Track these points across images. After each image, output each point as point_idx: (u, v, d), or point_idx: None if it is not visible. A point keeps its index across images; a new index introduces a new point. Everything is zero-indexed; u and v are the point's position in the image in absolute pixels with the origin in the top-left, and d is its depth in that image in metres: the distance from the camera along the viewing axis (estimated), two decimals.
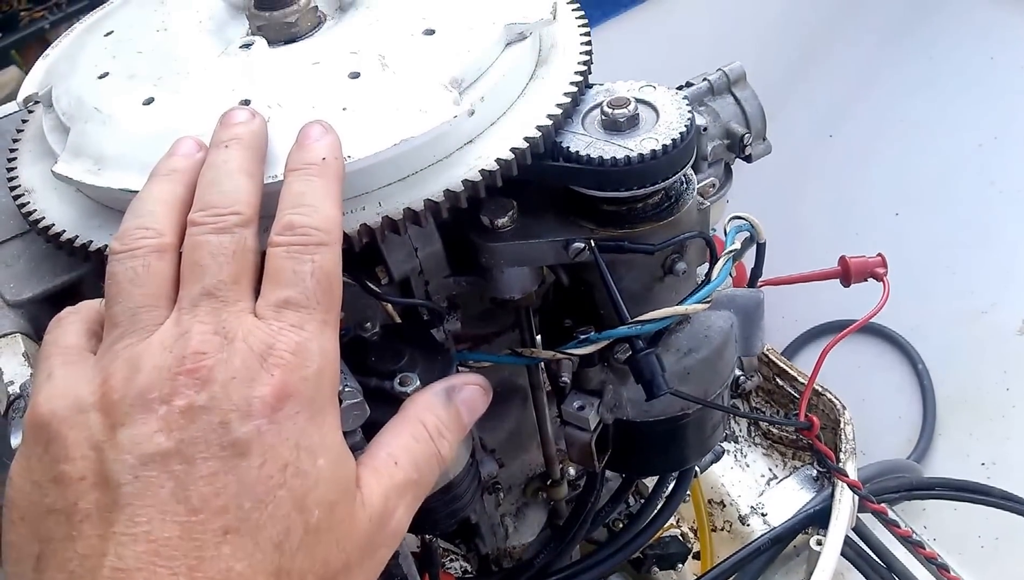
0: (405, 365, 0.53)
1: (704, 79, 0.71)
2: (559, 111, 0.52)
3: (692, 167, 0.55)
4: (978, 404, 1.68)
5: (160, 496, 0.37)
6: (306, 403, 0.40)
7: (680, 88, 0.69)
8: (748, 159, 0.70)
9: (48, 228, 0.53)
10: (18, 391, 0.51)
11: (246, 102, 0.49)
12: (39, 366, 0.43)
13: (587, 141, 0.52)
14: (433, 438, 0.47)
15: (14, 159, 0.59)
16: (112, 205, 0.52)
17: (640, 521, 0.78)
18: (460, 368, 0.61)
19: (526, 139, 0.50)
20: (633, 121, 0.52)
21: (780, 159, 0.79)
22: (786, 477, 1.08)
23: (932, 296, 1.75)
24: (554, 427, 0.75)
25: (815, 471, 1.07)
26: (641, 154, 0.50)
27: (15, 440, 0.46)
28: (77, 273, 0.56)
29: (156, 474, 0.37)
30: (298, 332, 0.40)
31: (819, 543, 0.89)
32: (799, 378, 1.06)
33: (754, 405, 1.11)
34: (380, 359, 0.53)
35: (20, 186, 0.56)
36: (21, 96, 0.59)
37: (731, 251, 0.57)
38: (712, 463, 0.96)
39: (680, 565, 1.00)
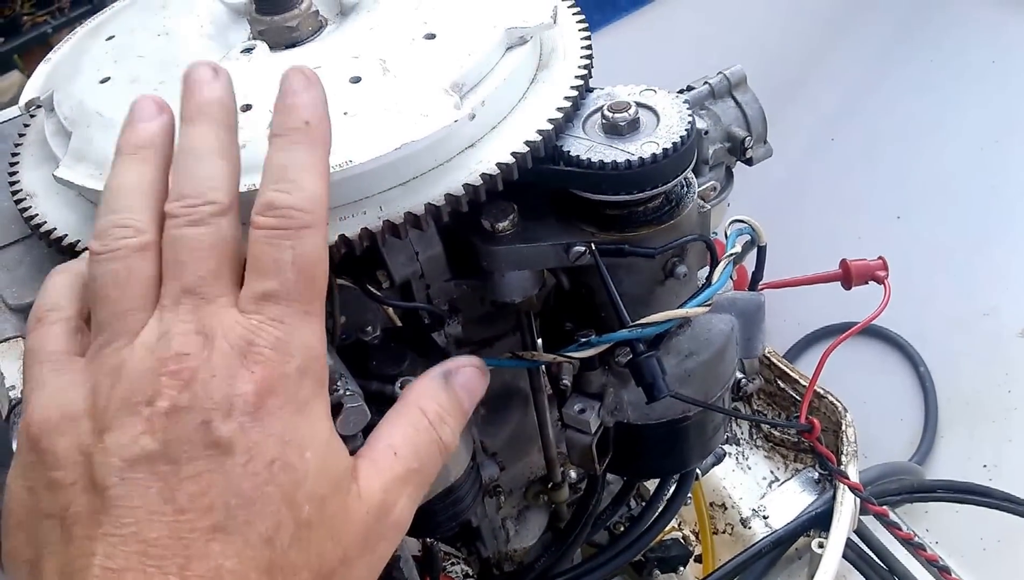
0: (406, 369, 0.53)
1: (705, 83, 0.70)
2: (560, 115, 0.52)
3: (693, 170, 0.55)
4: (980, 406, 1.68)
5: (147, 497, 0.37)
6: (290, 398, 0.39)
7: (681, 92, 0.69)
8: (749, 162, 0.70)
9: (50, 232, 0.53)
10: (19, 396, 0.51)
11: (247, 107, 0.49)
12: (28, 373, 0.42)
13: (588, 145, 0.52)
14: (434, 425, 0.46)
15: (16, 163, 0.59)
16: None
17: (641, 524, 0.78)
18: None
19: (527, 143, 0.50)
20: (634, 125, 0.52)
21: (781, 162, 0.79)
22: (788, 480, 1.08)
23: (934, 299, 1.74)
24: (555, 430, 0.75)
25: (817, 473, 1.07)
26: (642, 158, 0.50)
27: (16, 445, 0.46)
28: None
29: (143, 475, 0.37)
30: (278, 326, 0.39)
31: (821, 545, 0.89)
32: (800, 380, 1.06)
33: (756, 407, 1.11)
34: (381, 363, 0.53)
35: (22, 190, 0.56)
36: (23, 100, 0.59)
37: (732, 254, 0.57)
38: (713, 466, 0.96)
39: (682, 568, 1.00)
